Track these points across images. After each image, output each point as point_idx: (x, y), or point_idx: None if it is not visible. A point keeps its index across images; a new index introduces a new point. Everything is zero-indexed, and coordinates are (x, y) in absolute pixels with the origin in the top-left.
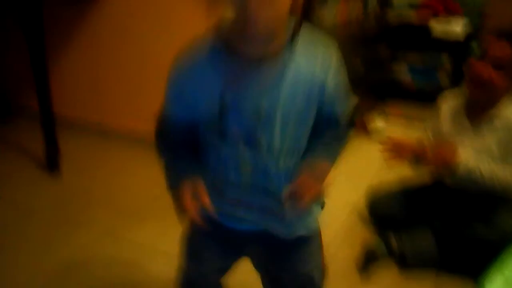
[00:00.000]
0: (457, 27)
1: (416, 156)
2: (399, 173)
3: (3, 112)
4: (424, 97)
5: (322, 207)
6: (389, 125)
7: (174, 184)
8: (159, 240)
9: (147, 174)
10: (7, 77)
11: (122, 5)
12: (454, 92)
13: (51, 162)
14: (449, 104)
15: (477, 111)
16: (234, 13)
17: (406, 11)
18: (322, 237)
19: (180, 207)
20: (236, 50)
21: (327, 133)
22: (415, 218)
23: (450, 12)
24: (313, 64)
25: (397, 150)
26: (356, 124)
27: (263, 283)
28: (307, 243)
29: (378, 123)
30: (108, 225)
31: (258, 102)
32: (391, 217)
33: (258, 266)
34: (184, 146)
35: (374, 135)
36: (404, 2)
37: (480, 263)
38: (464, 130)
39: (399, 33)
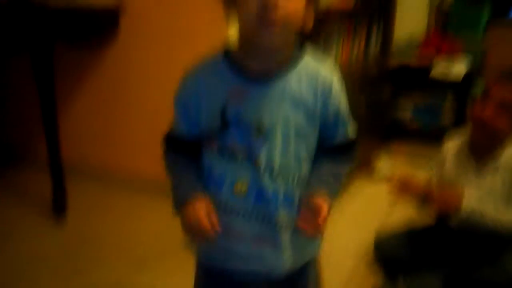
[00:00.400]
0: (458, 66)
1: (422, 197)
2: (405, 213)
3: (11, 156)
4: (428, 136)
5: (320, 241)
6: (394, 165)
7: (182, 203)
8: (168, 286)
9: (156, 219)
10: (15, 122)
11: (130, 51)
12: (458, 132)
13: (58, 208)
14: (453, 144)
15: (481, 151)
16: (243, 26)
17: (408, 51)
18: (327, 282)
19: (188, 227)
20: (241, 66)
21: (330, 158)
22: (422, 260)
23: (451, 51)
24: (315, 82)
25: (404, 189)
26: (361, 165)
27: None
28: (302, 280)
29: (383, 163)
30: (116, 272)
31: (259, 117)
32: (398, 259)
33: None
34: (190, 163)
35: (379, 175)
36: (404, 43)
37: None
38: (468, 170)
39: (401, 73)
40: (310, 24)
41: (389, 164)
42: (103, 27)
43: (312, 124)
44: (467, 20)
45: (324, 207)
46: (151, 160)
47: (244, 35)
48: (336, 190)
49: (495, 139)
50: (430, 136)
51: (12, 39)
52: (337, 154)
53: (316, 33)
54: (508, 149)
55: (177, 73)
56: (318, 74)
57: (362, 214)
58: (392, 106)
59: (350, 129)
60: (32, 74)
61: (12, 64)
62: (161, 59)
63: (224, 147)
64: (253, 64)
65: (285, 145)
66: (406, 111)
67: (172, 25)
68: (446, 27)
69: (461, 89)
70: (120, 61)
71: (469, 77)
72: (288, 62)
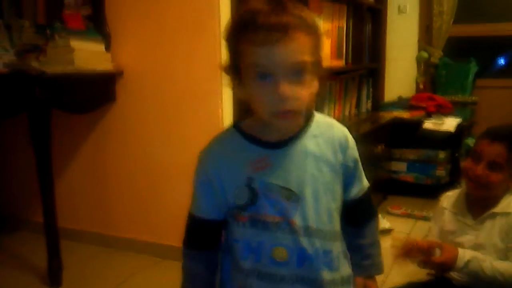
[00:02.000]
0: (449, 125)
1: (422, 261)
2: (405, 268)
3: (5, 224)
4: (424, 192)
5: None
6: (392, 224)
7: None
8: None
9: (154, 283)
10: (10, 188)
11: (127, 115)
12: (455, 190)
13: (54, 277)
14: (451, 197)
15: (478, 202)
16: (258, 112)
17: (398, 112)
18: None
19: None
20: (257, 137)
21: (362, 225)
22: None
23: (441, 109)
24: (332, 138)
25: (407, 252)
26: None
27: None
28: None
29: (382, 223)
30: None
31: (285, 182)
32: None
33: None
34: (208, 278)
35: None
36: (394, 102)
37: None
38: (466, 226)
39: (393, 128)
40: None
41: (388, 223)
42: (100, 92)
43: (337, 178)
44: (455, 75)
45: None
46: (148, 227)
47: (259, 116)
48: (380, 259)
49: (490, 192)
50: (426, 189)
51: (10, 107)
52: (363, 215)
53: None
54: (504, 202)
55: (174, 137)
56: (332, 130)
57: None
58: (386, 161)
59: (364, 178)
60: (27, 139)
61: (8, 131)
62: (158, 123)
63: (256, 218)
64: (269, 135)
65: (317, 203)
66: (400, 165)
67: (169, 89)
68: (435, 83)
69: (453, 143)
70: (117, 125)
71: (461, 128)
72: (301, 126)
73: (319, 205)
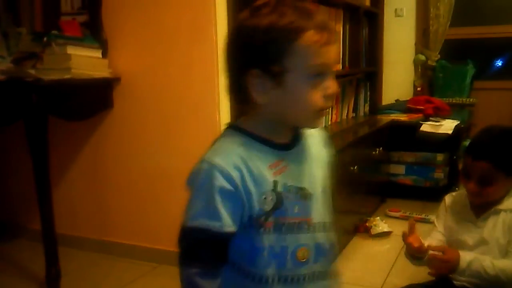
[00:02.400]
0: (447, 128)
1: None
2: (405, 274)
3: (3, 231)
4: (422, 195)
5: None
6: (391, 226)
7: None
8: None
9: None
10: (8, 195)
11: (124, 121)
12: (456, 192)
13: (52, 284)
14: (454, 201)
15: (481, 208)
16: (289, 113)
17: (396, 115)
18: None
19: None
20: (268, 140)
21: None
22: None
23: (439, 112)
24: (321, 137)
25: (416, 249)
26: (357, 223)
27: None
28: None
29: (380, 225)
30: None
31: (301, 182)
32: None
33: None
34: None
35: (375, 233)
36: (392, 105)
37: None
38: (470, 224)
39: (391, 131)
40: None
41: (387, 226)
42: (97, 98)
43: (327, 172)
44: (452, 77)
45: None
46: (147, 234)
47: (286, 117)
48: None
49: (490, 200)
50: (424, 191)
51: (7, 114)
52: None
53: None
54: (507, 200)
55: (172, 142)
56: (316, 133)
57: (361, 273)
58: (384, 164)
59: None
60: (25, 147)
61: (5, 138)
62: (156, 128)
63: (280, 222)
64: (279, 137)
65: (323, 199)
66: (399, 168)
67: (166, 95)
68: (432, 86)
69: (452, 142)
70: (114, 131)
71: (459, 130)
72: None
73: (323, 200)
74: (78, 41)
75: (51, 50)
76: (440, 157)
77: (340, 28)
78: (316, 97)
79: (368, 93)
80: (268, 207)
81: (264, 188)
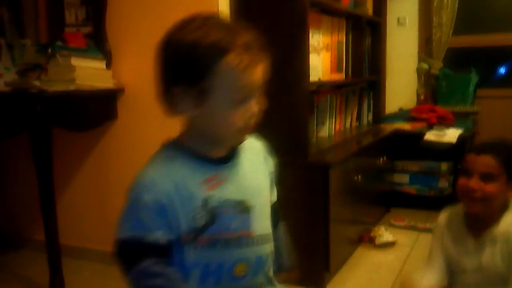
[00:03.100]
0: (451, 136)
1: None
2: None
3: (7, 242)
4: (427, 204)
5: None
6: (395, 236)
7: None
8: None
9: None
10: (12, 206)
11: (128, 131)
12: (452, 208)
13: None
14: (450, 222)
15: (478, 225)
16: (218, 129)
17: (400, 124)
18: None
19: None
20: (202, 154)
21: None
22: None
23: (442, 121)
24: (258, 151)
25: None
26: (362, 233)
27: None
28: None
29: (385, 235)
30: None
31: (239, 196)
32: None
33: None
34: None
35: (382, 248)
36: (395, 114)
37: None
38: (468, 249)
39: (395, 140)
40: None
41: (391, 236)
42: (101, 109)
43: (268, 184)
44: (456, 86)
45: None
46: None
47: (210, 134)
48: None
49: (488, 205)
50: (429, 200)
51: (12, 125)
52: (277, 217)
53: (310, 104)
54: (503, 219)
55: None
56: (254, 141)
57: (365, 283)
58: (388, 173)
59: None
60: (30, 157)
61: (10, 149)
62: (160, 139)
63: (215, 238)
64: (215, 152)
65: (262, 210)
66: (403, 177)
67: None
68: (435, 95)
69: (456, 151)
70: (118, 142)
71: (463, 139)
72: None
73: (264, 212)
74: (82, 52)
75: (56, 62)
76: (444, 166)
77: (343, 37)
78: (237, 118)
79: (372, 102)
80: (198, 224)
81: (192, 206)
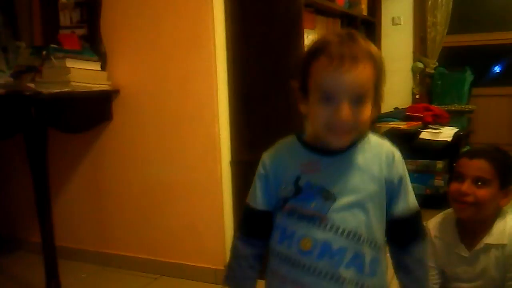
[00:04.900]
0: (446, 135)
1: None
2: None
3: (3, 244)
4: (423, 202)
5: None
6: None
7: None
8: None
9: None
10: (8, 208)
11: (124, 133)
12: (440, 216)
13: None
14: (441, 230)
15: (471, 235)
16: (314, 127)
17: (395, 123)
18: None
19: None
20: (313, 146)
21: (408, 248)
22: None
23: (437, 119)
24: (379, 153)
25: None
26: None
27: None
28: None
29: None
30: None
31: (327, 184)
32: None
33: None
34: (253, 264)
35: None
36: (390, 113)
37: None
38: (461, 258)
39: (390, 138)
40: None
41: None
42: (96, 111)
43: (381, 191)
44: (451, 85)
45: None
46: (147, 245)
47: (314, 130)
48: (427, 283)
49: (481, 211)
50: (425, 199)
51: (6, 128)
52: (408, 235)
53: None
54: (496, 227)
55: (171, 154)
56: (382, 147)
57: None
58: None
59: (412, 197)
60: (25, 159)
61: (5, 151)
62: (155, 140)
63: (293, 209)
64: (323, 145)
65: (353, 209)
66: None
67: (165, 107)
68: (431, 93)
69: (452, 149)
70: (113, 144)
71: (459, 137)
72: (353, 141)
73: (357, 212)
74: (77, 54)
75: (50, 64)
76: (440, 164)
77: None
78: (321, 114)
79: None
80: (286, 195)
81: (288, 179)
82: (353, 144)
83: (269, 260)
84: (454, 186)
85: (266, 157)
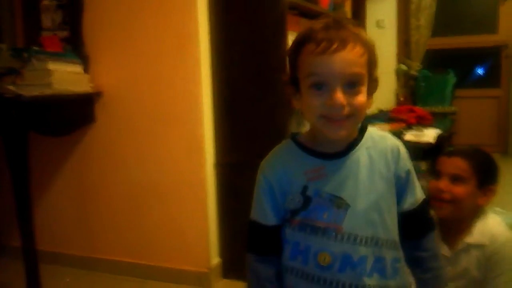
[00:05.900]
0: (429, 136)
1: None
2: None
3: None
4: None
5: None
6: None
7: None
8: None
9: None
10: None
11: (106, 136)
12: None
13: None
14: None
15: (451, 234)
16: (309, 121)
17: (379, 124)
18: None
19: None
20: (313, 149)
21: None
22: None
23: (421, 121)
24: (384, 149)
25: None
26: None
27: None
28: None
29: None
30: None
31: (337, 191)
32: None
33: None
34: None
35: None
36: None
37: None
38: (443, 259)
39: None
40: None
41: None
42: (79, 113)
43: (390, 188)
44: (434, 87)
45: None
46: (131, 248)
47: (310, 125)
48: (441, 272)
49: (458, 209)
50: None
51: None
52: (419, 228)
53: (289, 106)
54: (476, 227)
55: (154, 157)
56: (385, 141)
57: None
58: None
59: (419, 189)
60: (4, 161)
61: None
62: (138, 143)
63: (305, 223)
64: (323, 148)
65: (368, 213)
66: None
67: (149, 109)
68: (414, 95)
69: (435, 150)
70: (96, 146)
71: (442, 139)
72: (354, 138)
73: (371, 216)
74: (59, 57)
75: (32, 66)
76: (423, 165)
77: None
78: (313, 103)
79: None
80: (294, 206)
81: (294, 190)
82: (355, 142)
83: (283, 276)
84: (432, 183)
85: (266, 167)
